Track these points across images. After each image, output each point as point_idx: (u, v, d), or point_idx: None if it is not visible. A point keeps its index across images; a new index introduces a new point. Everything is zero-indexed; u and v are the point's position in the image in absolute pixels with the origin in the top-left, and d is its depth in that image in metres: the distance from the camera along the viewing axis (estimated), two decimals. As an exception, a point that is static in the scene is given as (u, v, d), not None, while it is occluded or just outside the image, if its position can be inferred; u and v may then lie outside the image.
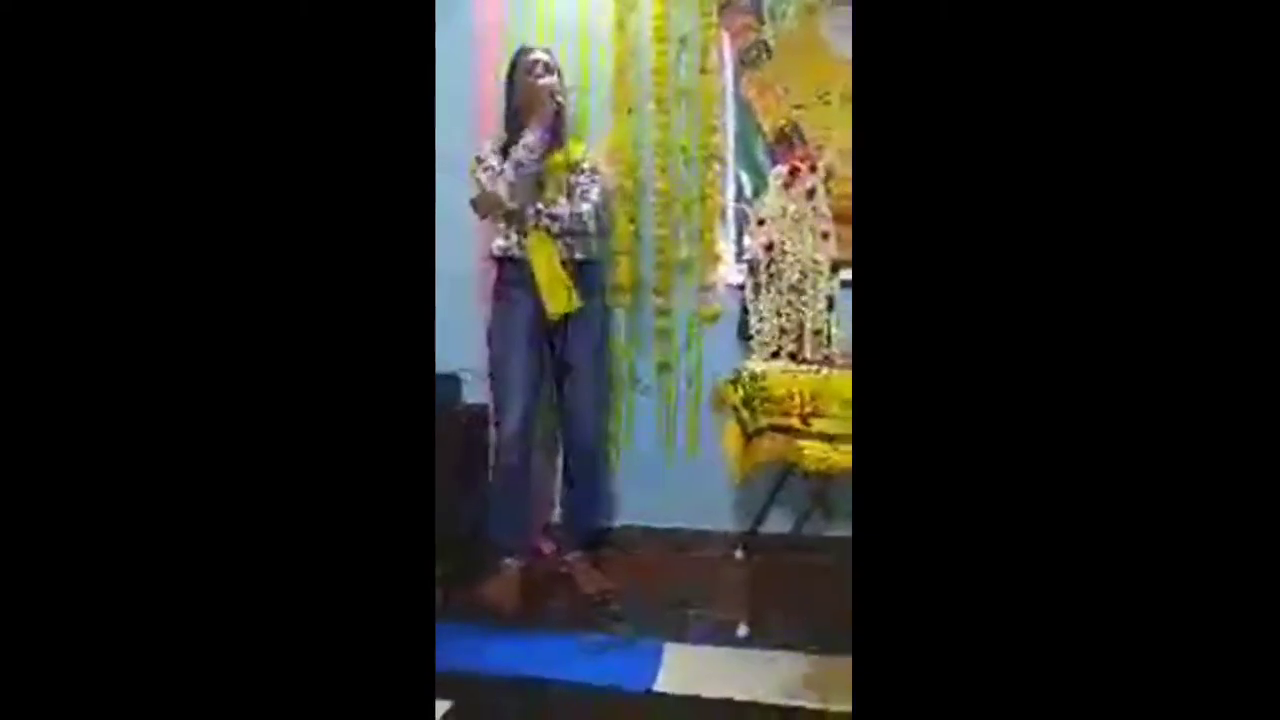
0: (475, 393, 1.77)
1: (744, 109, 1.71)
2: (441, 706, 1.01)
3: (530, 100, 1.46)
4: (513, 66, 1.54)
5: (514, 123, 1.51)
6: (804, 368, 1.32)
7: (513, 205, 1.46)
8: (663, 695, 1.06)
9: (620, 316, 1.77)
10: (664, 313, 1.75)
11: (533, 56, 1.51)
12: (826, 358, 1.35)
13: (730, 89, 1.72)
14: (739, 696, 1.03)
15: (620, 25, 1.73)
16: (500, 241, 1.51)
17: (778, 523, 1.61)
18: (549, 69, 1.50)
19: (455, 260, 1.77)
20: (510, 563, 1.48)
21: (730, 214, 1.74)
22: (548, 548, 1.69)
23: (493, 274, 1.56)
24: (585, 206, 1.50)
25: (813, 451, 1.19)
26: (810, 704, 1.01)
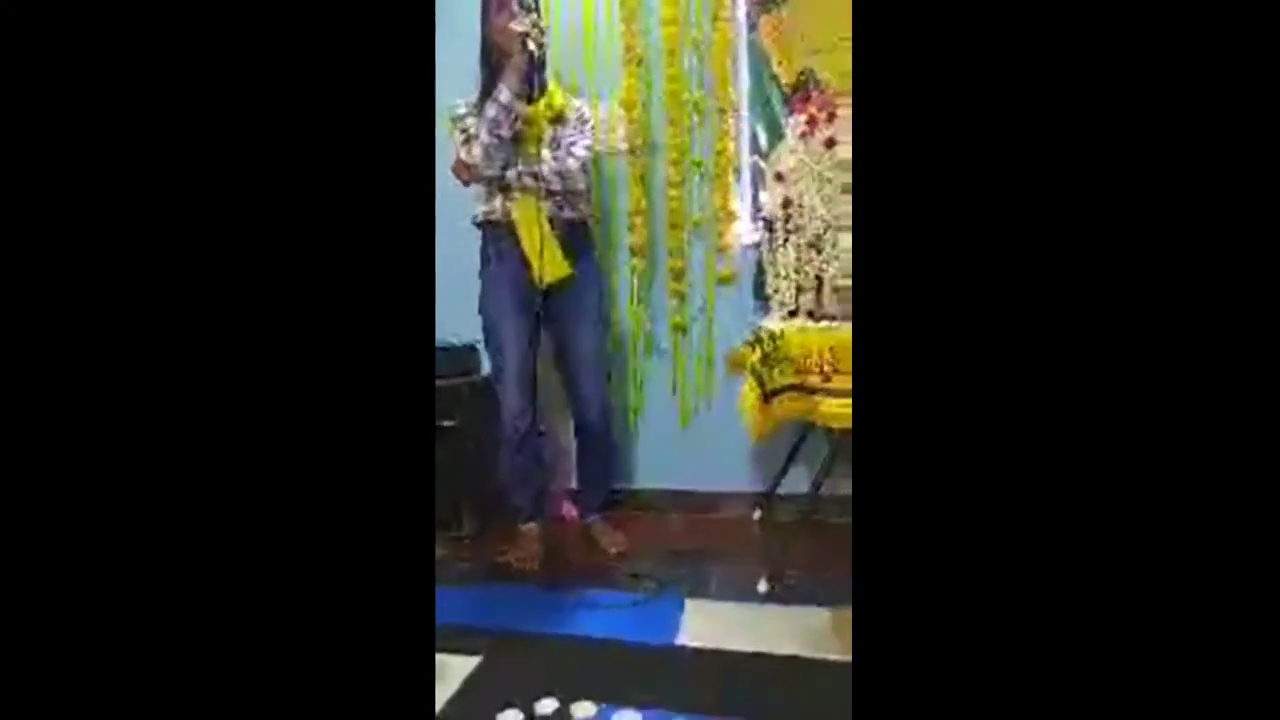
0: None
1: (759, 57, 1.64)
2: (471, 662, 1.04)
3: (502, 47, 1.32)
4: (485, 1, 1.40)
5: (489, 68, 1.39)
6: (823, 325, 1.29)
7: (490, 171, 1.36)
8: (684, 649, 1.08)
9: (633, 277, 1.74)
10: (678, 273, 1.72)
11: None
12: (846, 314, 1.32)
13: (744, 36, 1.65)
14: (759, 649, 1.05)
15: (628, -28, 1.65)
16: (483, 206, 1.42)
17: (797, 481, 1.61)
18: (523, 5, 1.35)
19: (456, 225, 1.75)
20: (531, 525, 1.51)
21: (745, 169, 1.69)
22: (568, 511, 1.71)
23: (479, 240, 1.48)
24: (571, 163, 1.39)
25: (832, 409, 1.18)
26: (831, 656, 1.02)
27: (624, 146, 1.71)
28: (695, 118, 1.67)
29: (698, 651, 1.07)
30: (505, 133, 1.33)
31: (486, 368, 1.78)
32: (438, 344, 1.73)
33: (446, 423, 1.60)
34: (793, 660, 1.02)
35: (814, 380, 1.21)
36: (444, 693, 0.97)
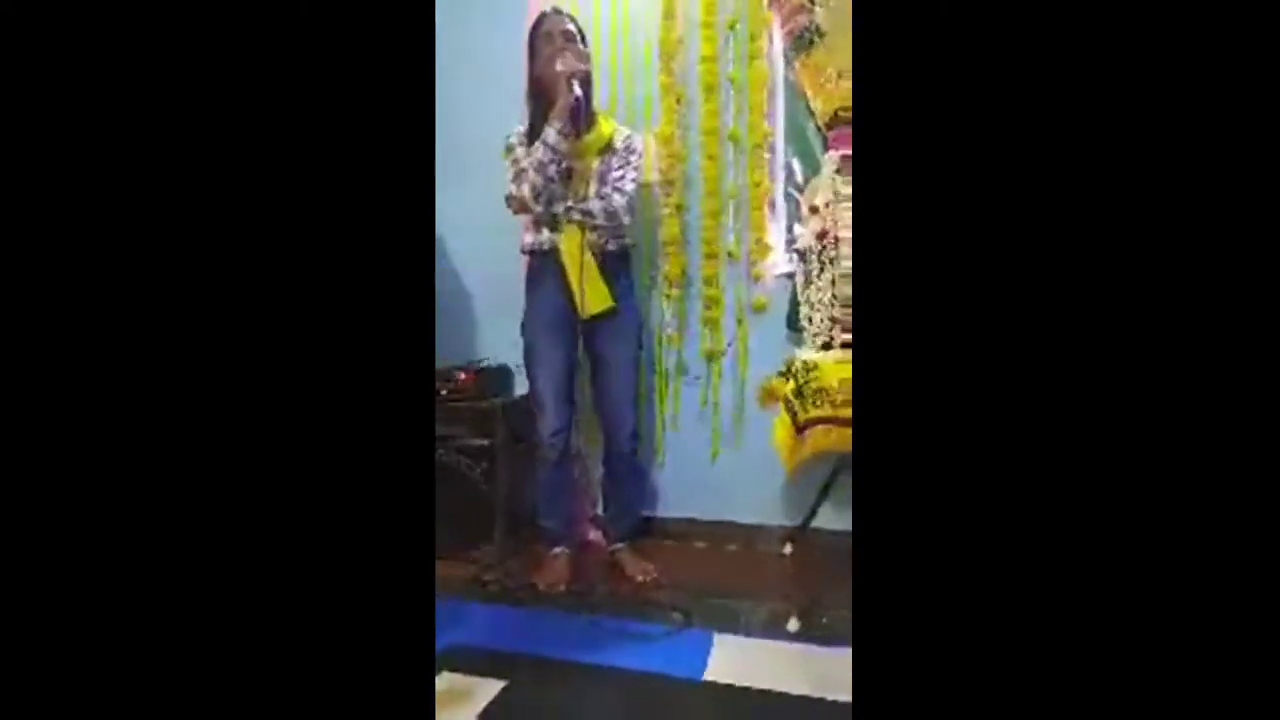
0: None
1: (795, 94, 1.67)
2: (496, 686, 1.04)
3: (550, 88, 1.35)
4: (532, 34, 1.43)
5: (536, 100, 1.42)
6: (858, 358, 1.28)
7: (539, 208, 1.39)
8: (712, 685, 1.05)
9: (668, 307, 1.76)
10: (712, 303, 1.73)
11: (548, 26, 1.39)
12: (882, 348, 1.30)
13: (781, 74, 1.69)
14: (790, 689, 1.02)
15: (668, 12, 1.71)
16: (529, 237, 1.46)
17: (830, 517, 1.58)
18: (569, 37, 1.38)
19: (504, 252, 1.82)
20: (559, 551, 1.51)
21: (780, 202, 1.71)
22: (595, 537, 1.71)
23: (525, 268, 1.52)
24: (619, 200, 1.41)
25: (867, 444, 1.16)
26: (865, 701, 0.98)
27: (655, 176, 1.75)
28: (732, 151, 1.71)
29: (726, 688, 1.04)
30: (553, 172, 1.36)
31: (521, 389, 1.82)
32: (477, 365, 1.77)
33: (480, 442, 1.63)
34: (823, 704, 0.99)
35: (847, 413, 1.20)
36: (468, 715, 0.97)
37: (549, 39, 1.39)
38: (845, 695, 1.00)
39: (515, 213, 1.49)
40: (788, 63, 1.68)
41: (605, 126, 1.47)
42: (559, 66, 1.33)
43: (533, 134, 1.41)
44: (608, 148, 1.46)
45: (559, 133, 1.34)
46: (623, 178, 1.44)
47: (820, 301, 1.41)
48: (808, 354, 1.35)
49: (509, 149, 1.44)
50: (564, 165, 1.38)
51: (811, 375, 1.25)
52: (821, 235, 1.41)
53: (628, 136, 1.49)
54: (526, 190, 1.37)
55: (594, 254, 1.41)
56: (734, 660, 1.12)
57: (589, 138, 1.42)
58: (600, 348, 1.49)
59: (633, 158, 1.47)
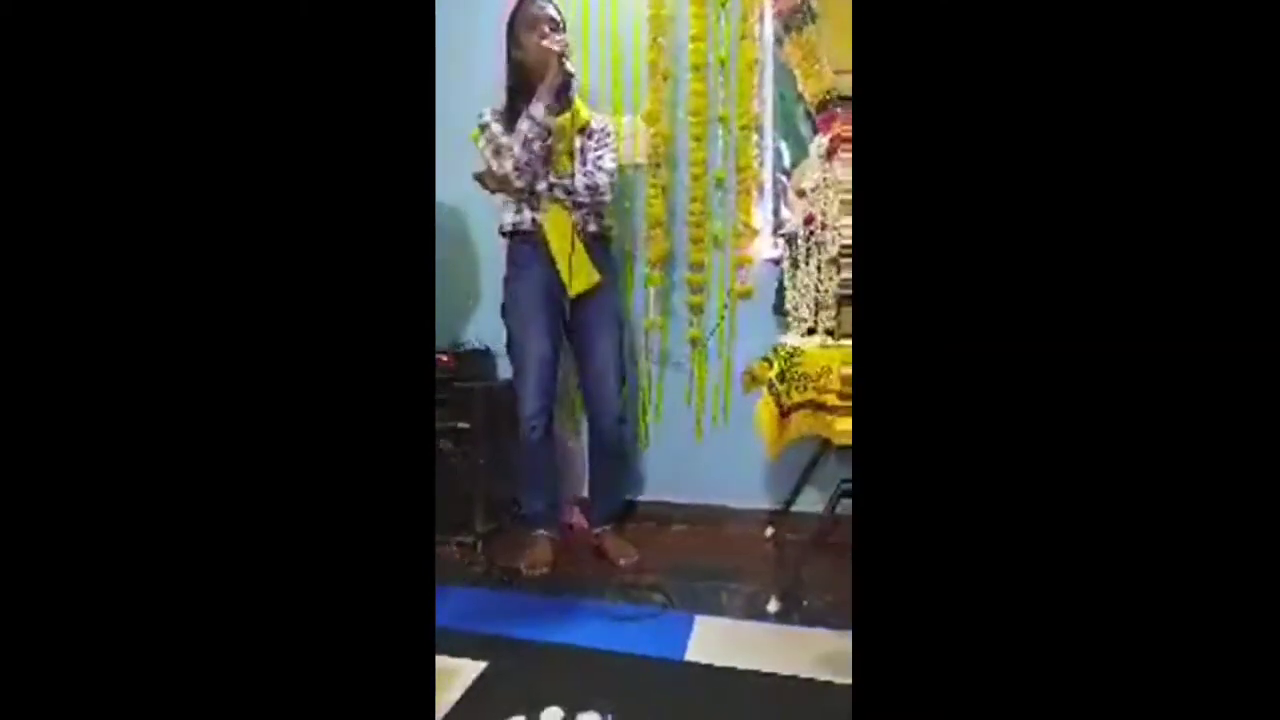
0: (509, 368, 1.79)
1: (785, 76, 1.65)
2: (477, 667, 1.04)
3: (537, 65, 1.37)
4: (513, 18, 1.43)
5: (517, 84, 1.43)
6: (842, 343, 1.29)
7: (521, 184, 1.39)
8: (693, 665, 1.06)
9: (652, 291, 1.75)
10: (697, 288, 1.72)
11: (536, 9, 1.40)
12: (866, 333, 1.30)
13: (770, 55, 1.67)
14: (770, 669, 1.03)
15: (657, -10, 1.68)
16: (510, 216, 1.45)
17: (811, 501, 1.59)
18: (555, 26, 1.40)
19: (488, 234, 1.79)
20: (542, 534, 1.51)
21: (768, 186, 1.70)
22: (577, 520, 1.71)
23: (505, 249, 1.50)
24: (600, 177, 1.43)
25: (848, 428, 1.16)
26: (842, 680, 1.00)
27: (643, 160, 1.72)
28: (720, 132, 1.69)
29: (706, 668, 1.05)
30: (538, 147, 1.37)
31: (503, 372, 1.80)
32: (459, 348, 1.74)
33: (461, 425, 1.61)
34: (803, 682, 1.00)
35: (830, 399, 1.20)
36: (449, 697, 0.96)
37: (533, 23, 1.40)
38: (824, 675, 1.02)
39: (491, 191, 1.48)
40: (778, 44, 1.66)
41: (583, 110, 1.48)
42: (549, 45, 1.35)
43: (511, 113, 1.41)
44: (585, 129, 1.47)
45: (546, 108, 1.35)
46: (601, 157, 1.46)
47: (806, 287, 1.41)
48: (792, 339, 1.35)
49: (482, 128, 1.43)
50: (548, 142, 1.38)
51: (795, 360, 1.26)
52: (809, 220, 1.41)
53: (603, 121, 1.51)
54: (509, 165, 1.38)
55: (577, 233, 1.42)
56: (715, 642, 1.13)
57: (567, 117, 1.43)
58: (583, 330, 1.49)
59: (609, 139, 1.49)
